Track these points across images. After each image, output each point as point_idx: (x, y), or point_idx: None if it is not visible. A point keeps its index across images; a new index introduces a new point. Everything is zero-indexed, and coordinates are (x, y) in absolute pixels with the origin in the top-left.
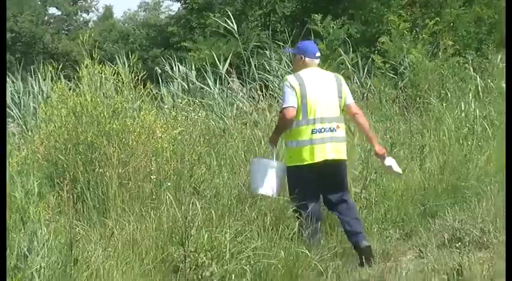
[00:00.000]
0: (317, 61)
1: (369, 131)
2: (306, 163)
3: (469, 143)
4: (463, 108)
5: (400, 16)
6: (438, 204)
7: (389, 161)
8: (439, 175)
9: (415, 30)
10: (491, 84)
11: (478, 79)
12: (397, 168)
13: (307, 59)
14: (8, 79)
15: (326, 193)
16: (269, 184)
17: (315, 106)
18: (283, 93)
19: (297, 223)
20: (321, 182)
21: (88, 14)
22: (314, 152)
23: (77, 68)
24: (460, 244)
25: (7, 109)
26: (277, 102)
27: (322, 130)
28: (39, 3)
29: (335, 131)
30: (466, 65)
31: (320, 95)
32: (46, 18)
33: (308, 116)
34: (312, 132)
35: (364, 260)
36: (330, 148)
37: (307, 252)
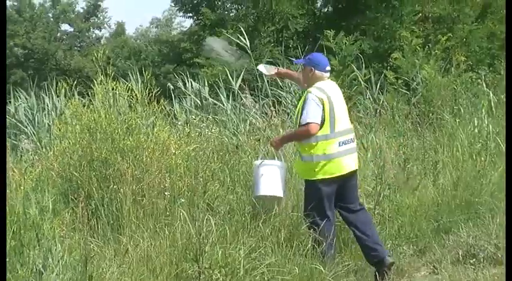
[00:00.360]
0: (327, 75)
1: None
2: (334, 176)
3: (483, 158)
4: (476, 124)
5: (413, 32)
6: (452, 220)
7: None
8: (452, 191)
9: (428, 46)
10: (504, 99)
11: (491, 95)
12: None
13: (317, 72)
14: (21, 95)
15: (344, 203)
16: (278, 185)
17: (340, 118)
18: (309, 106)
19: (311, 238)
20: (339, 194)
21: (100, 31)
22: (342, 164)
23: (90, 84)
24: (474, 260)
25: (20, 125)
26: (290, 117)
27: (346, 142)
28: (51, 19)
29: (353, 142)
30: (479, 80)
31: (341, 107)
32: (59, 34)
33: (335, 129)
34: (340, 145)
35: (379, 276)
36: (353, 159)
37: (321, 268)
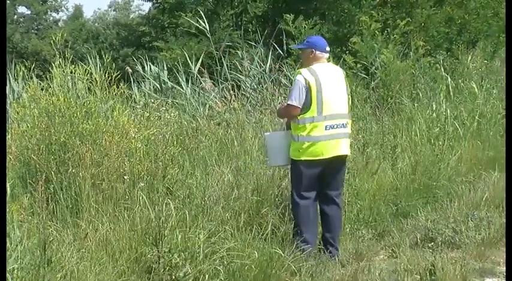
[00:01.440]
0: (327, 55)
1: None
2: (317, 158)
3: (441, 143)
4: (434, 109)
5: (372, 16)
6: (410, 204)
7: None
8: (411, 175)
9: (387, 30)
10: (462, 84)
11: (449, 79)
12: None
13: (317, 52)
14: None
15: (326, 188)
16: (285, 155)
17: (329, 102)
18: (294, 88)
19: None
20: (324, 176)
21: (58, 13)
22: (327, 147)
23: (48, 68)
24: (432, 243)
25: None
26: (249, 101)
27: (335, 126)
28: (8, 2)
29: (346, 127)
30: (437, 65)
31: (333, 91)
32: (15, 17)
33: (323, 112)
34: (326, 129)
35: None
36: (343, 144)
37: (280, 252)
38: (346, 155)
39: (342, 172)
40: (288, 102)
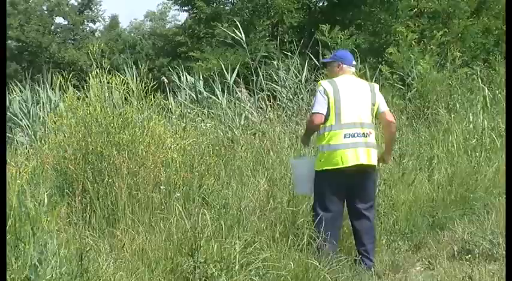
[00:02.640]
0: (353, 69)
1: (390, 142)
2: (337, 167)
3: (478, 154)
4: (471, 120)
5: (408, 27)
6: (447, 216)
7: None
8: (447, 186)
9: (423, 41)
10: (499, 95)
11: (486, 90)
12: None
13: (344, 66)
14: (15, 88)
15: (353, 201)
16: (311, 183)
17: (348, 111)
18: (315, 98)
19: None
20: (350, 189)
21: (94, 24)
22: (346, 156)
23: (84, 78)
24: (469, 256)
25: (15, 118)
26: (285, 112)
27: (355, 135)
28: (45, 12)
29: (368, 136)
30: (474, 76)
31: (354, 101)
32: (52, 27)
33: (341, 121)
34: (345, 137)
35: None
36: (362, 152)
37: (316, 263)
38: (370, 166)
39: (368, 184)
40: (312, 111)
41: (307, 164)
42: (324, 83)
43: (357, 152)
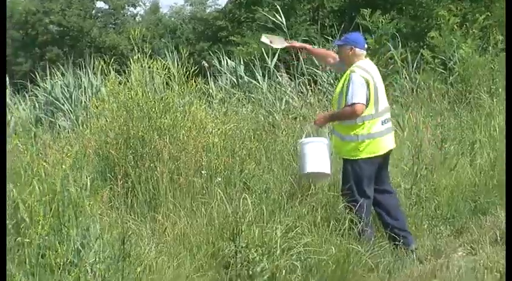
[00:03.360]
0: (365, 52)
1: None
2: (377, 155)
3: None
4: None
5: (450, 11)
6: (489, 201)
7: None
8: (489, 171)
9: (465, 25)
10: None
11: None
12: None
13: (357, 49)
14: (58, 72)
15: (379, 183)
16: (325, 162)
17: (382, 98)
18: (355, 87)
19: (348, 218)
20: (381, 172)
21: (135, 8)
22: (385, 142)
23: (126, 62)
24: None
25: (57, 102)
26: (326, 96)
27: (387, 121)
28: None
29: (391, 121)
30: None
31: (382, 86)
32: (94, 12)
33: (379, 108)
34: (382, 124)
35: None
36: (392, 137)
37: (358, 248)
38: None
39: (387, 167)
40: (354, 101)
41: (324, 144)
42: (360, 71)
43: (390, 137)
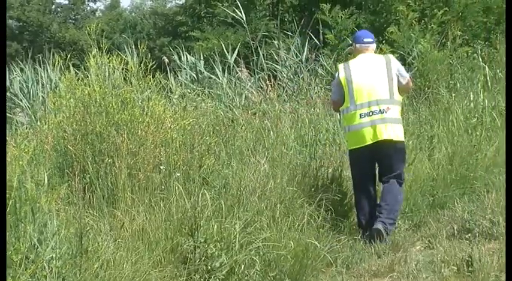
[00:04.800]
0: (366, 46)
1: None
2: (359, 146)
3: (478, 133)
4: (471, 99)
5: (409, 6)
6: (447, 195)
7: None
8: (448, 166)
9: (424, 20)
10: (500, 74)
11: (487, 69)
12: None
13: (357, 45)
14: (16, 68)
15: (382, 172)
16: None
17: (361, 91)
18: (332, 85)
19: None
20: (378, 162)
21: (95, 3)
22: (365, 135)
23: (84, 58)
24: (469, 235)
25: (15, 98)
26: (285, 91)
27: (371, 113)
28: None
29: (385, 112)
30: (475, 55)
31: (367, 79)
32: (53, 7)
33: (356, 101)
34: (360, 117)
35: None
36: (381, 129)
37: (316, 243)
38: (393, 140)
39: (392, 157)
40: (331, 98)
41: None
42: (339, 67)
43: (375, 129)
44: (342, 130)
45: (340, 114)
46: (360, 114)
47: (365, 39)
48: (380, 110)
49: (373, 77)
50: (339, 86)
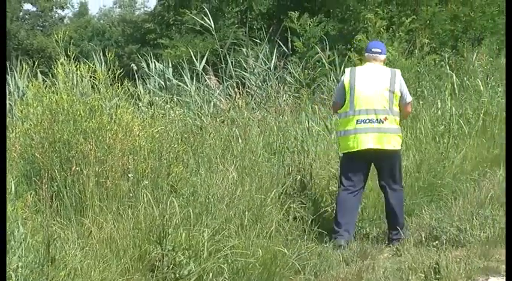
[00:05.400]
0: (374, 56)
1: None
2: (351, 151)
3: (446, 141)
4: (439, 106)
5: (377, 14)
6: (415, 202)
7: None
8: (415, 173)
9: (392, 28)
10: (467, 82)
11: (454, 77)
12: None
13: (365, 54)
14: None
15: (378, 177)
16: None
17: (362, 98)
18: (337, 86)
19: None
20: (375, 168)
21: (63, 10)
22: (358, 141)
23: (52, 65)
24: (437, 242)
25: None
26: (254, 99)
27: (367, 121)
28: None
29: (382, 122)
30: (442, 62)
31: (369, 88)
32: (21, 14)
33: (355, 107)
34: (357, 123)
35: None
36: (372, 138)
37: (284, 250)
38: (383, 150)
39: (385, 166)
40: (333, 99)
41: None
42: (346, 71)
43: (369, 137)
44: (335, 133)
45: (337, 118)
46: (357, 120)
47: (373, 49)
48: (377, 119)
49: (375, 87)
50: (342, 90)
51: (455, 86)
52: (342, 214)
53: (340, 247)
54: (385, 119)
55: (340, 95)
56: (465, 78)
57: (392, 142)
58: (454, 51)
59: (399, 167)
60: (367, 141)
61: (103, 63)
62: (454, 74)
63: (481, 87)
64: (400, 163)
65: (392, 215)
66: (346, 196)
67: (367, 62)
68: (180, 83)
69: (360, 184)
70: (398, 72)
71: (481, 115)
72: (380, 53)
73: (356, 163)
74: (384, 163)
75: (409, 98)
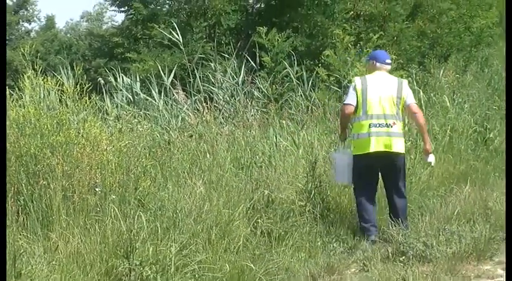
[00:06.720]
0: (386, 67)
1: (424, 130)
2: (364, 153)
3: (412, 157)
4: (406, 122)
5: (345, 29)
6: (382, 217)
7: (431, 158)
8: (382, 189)
9: (359, 43)
10: (434, 98)
11: (421, 93)
12: (434, 163)
13: (377, 64)
14: None
15: (384, 179)
16: (349, 174)
17: (374, 104)
18: (347, 92)
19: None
20: (381, 170)
21: (30, 24)
22: (370, 143)
23: (19, 78)
24: (403, 257)
25: None
26: (222, 113)
27: (379, 125)
28: None
29: (391, 127)
30: (409, 78)
31: (380, 94)
32: None
33: (368, 112)
34: (370, 127)
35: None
36: (383, 141)
37: (252, 265)
38: (392, 152)
39: (393, 168)
40: (343, 103)
41: (346, 156)
42: (356, 79)
43: (379, 140)
44: (350, 137)
45: (350, 121)
46: (370, 124)
47: (387, 60)
48: (387, 124)
49: (385, 93)
50: (355, 94)
51: (422, 102)
52: (365, 212)
53: (374, 242)
54: (394, 123)
55: (353, 98)
56: (432, 95)
57: (399, 144)
58: (421, 67)
59: (404, 173)
60: (378, 144)
61: (70, 77)
62: (421, 90)
63: (448, 104)
64: (405, 168)
65: (396, 218)
66: (363, 195)
67: (377, 71)
68: (148, 97)
69: (374, 180)
70: (405, 81)
71: (448, 131)
72: (390, 64)
73: (368, 164)
74: (392, 165)
75: (410, 100)
